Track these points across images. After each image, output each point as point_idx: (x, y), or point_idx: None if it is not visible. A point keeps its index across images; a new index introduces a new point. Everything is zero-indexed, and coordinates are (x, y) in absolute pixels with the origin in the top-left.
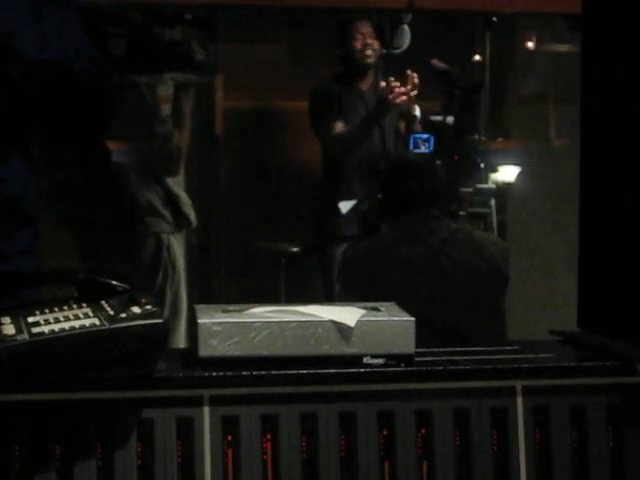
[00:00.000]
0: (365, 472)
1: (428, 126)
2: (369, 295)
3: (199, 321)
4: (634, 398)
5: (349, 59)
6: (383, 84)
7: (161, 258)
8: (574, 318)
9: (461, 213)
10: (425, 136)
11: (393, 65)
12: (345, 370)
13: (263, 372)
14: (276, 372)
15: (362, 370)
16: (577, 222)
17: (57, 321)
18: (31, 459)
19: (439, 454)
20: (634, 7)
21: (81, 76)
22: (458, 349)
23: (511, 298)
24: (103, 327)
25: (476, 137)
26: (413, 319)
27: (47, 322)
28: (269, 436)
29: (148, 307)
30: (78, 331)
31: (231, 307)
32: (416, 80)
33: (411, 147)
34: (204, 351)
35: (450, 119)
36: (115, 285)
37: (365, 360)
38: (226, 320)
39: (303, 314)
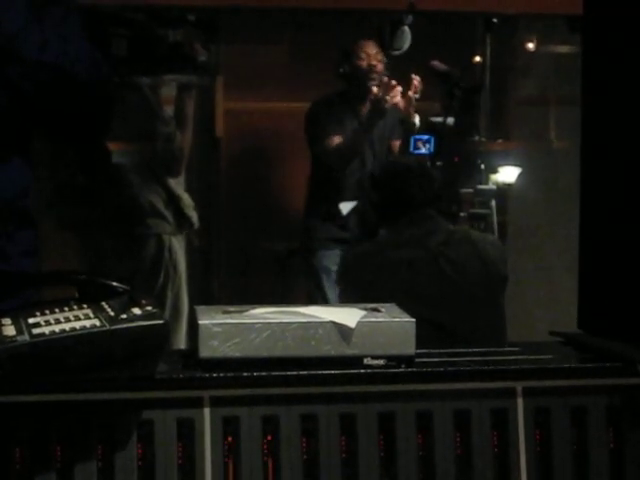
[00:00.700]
0: (365, 473)
1: (428, 127)
2: (369, 297)
3: (200, 322)
4: (634, 399)
5: (352, 78)
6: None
7: (162, 259)
8: (574, 319)
9: (462, 214)
10: (426, 137)
11: (393, 66)
12: (346, 371)
13: (264, 373)
14: (276, 373)
15: (363, 371)
16: (577, 223)
17: (58, 322)
18: (32, 460)
19: (440, 455)
20: (635, 9)
21: (81, 78)
22: (458, 350)
23: (511, 299)
24: (104, 328)
25: (476, 138)
26: (414, 320)
27: (48, 323)
28: (269, 437)
29: (148, 308)
30: (79, 332)
31: (231, 308)
32: (418, 83)
33: (412, 149)
34: (205, 352)
35: (450, 120)
36: (116, 286)
37: (366, 361)
38: (227, 321)
39: (303, 315)
